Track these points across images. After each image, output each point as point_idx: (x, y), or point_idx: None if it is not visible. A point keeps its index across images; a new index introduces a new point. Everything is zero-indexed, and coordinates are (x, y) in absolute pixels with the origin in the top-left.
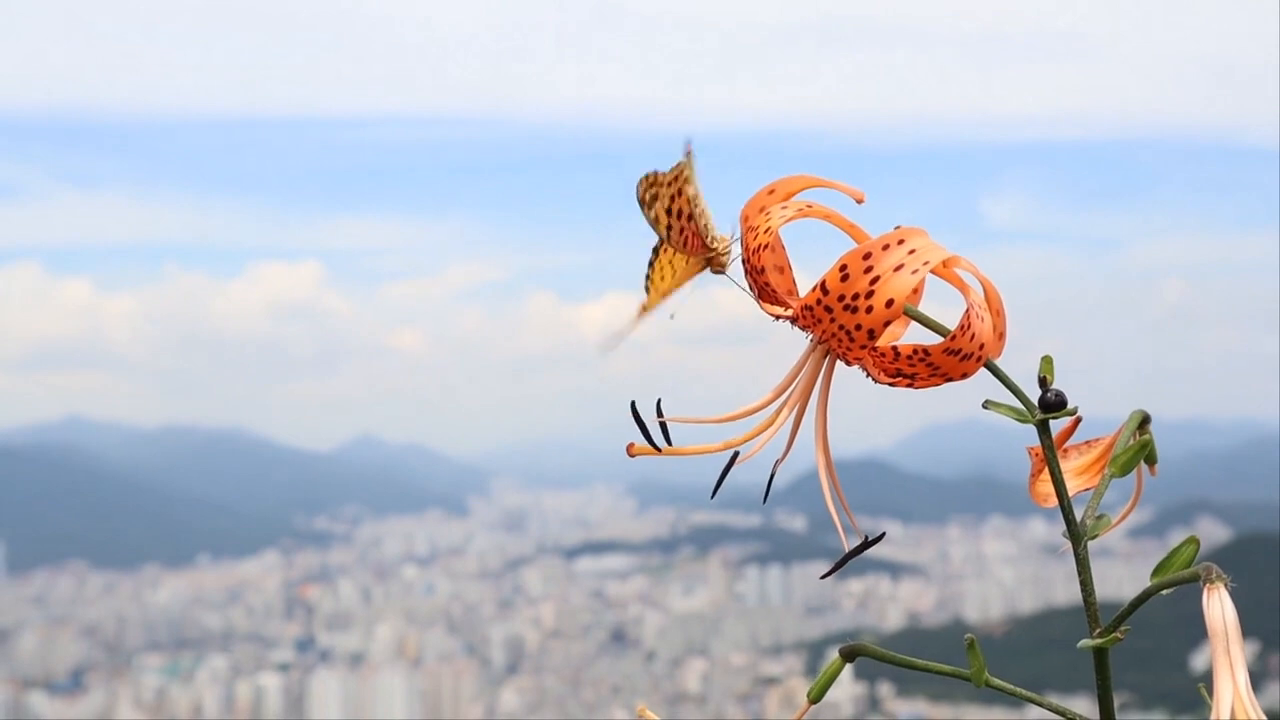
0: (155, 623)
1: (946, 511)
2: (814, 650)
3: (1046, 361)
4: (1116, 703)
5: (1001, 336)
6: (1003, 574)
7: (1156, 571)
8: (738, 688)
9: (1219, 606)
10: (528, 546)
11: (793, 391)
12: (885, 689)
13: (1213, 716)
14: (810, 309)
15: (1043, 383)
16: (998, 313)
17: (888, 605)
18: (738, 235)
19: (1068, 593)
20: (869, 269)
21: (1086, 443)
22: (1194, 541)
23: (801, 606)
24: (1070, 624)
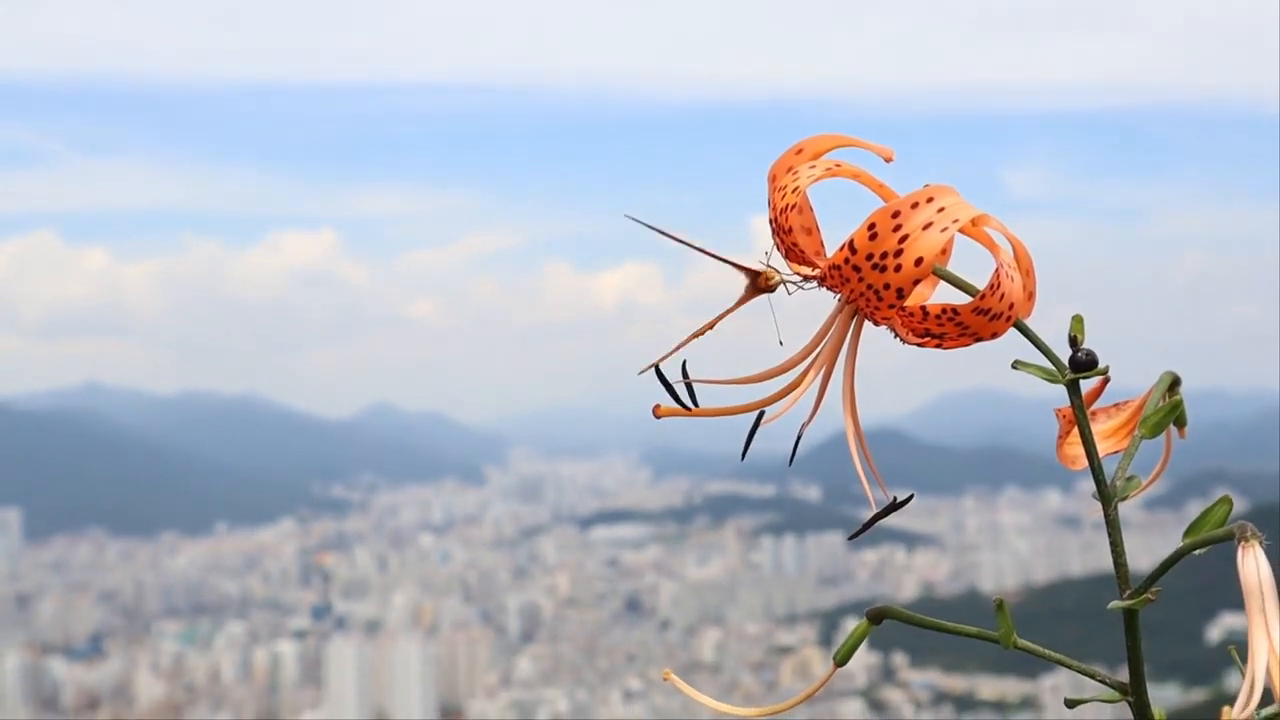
0: (173, 589)
1: (961, 482)
2: (828, 620)
3: (1077, 321)
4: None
5: (1031, 296)
6: (1017, 544)
7: (1189, 531)
8: (752, 656)
9: (1254, 564)
10: (543, 515)
11: (820, 352)
12: (899, 659)
13: (1247, 674)
14: (838, 268)
15: (1073, 342)
16: (1027, 272)
17: (902, 575)
18: (771, 260)
19: (1082, 563)
20: (898, 227)
21: (1115, 405)
22: (1227, 501)
23: (816, 576)
24: (1085, 594)
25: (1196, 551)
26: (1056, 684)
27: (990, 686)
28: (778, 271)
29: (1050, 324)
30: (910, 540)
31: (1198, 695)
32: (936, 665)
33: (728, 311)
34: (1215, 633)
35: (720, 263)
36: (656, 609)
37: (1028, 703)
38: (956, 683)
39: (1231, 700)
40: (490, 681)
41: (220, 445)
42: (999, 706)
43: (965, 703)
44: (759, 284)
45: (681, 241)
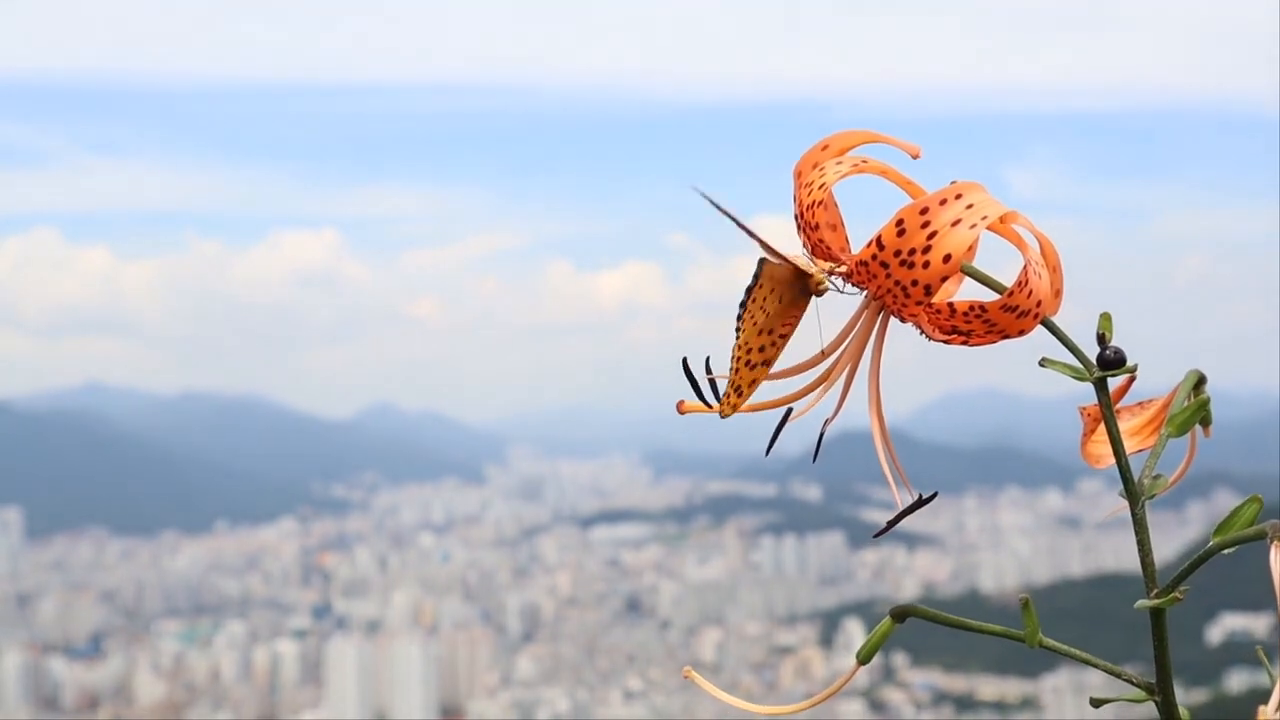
0: (173, 589)
1: (962, 482)
2: (829, 620)
3: (1105, 318)
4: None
5: (1059, 294)
6: (1018, 545)
7: (1218, 531)
8: (753, 657)
9: None
10: (544, 515)
11: (845, 349)
12: (900, 659)
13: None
14: (865, 265)
15: (1101, 339)
16: (1055, 270)
17: (903, 575)
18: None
19: (1083, 564)
20: (926, 224)
21: (1140, 404)
22: (1257, 500)
23: (816, 576)
24: (1085, 595)
25: (1225, 551)
26: (1057, 684)
27: (991, 687)
28: (827, 276)
29: (1057, 323)
30: (911, 540)
31: (1198, 696)
32: (937, 665)
33: (787, 323)
34: (1216, 633)
35: (777, 258)
36: (657, 609)
37: (1028, 703)
38: (957, 683)
39: (1264, 698)
40: (490, 681)
41: (221, 445)
42: (999, 707)
43: (966, 703)
44: (809, 286)
45: (747, 231)
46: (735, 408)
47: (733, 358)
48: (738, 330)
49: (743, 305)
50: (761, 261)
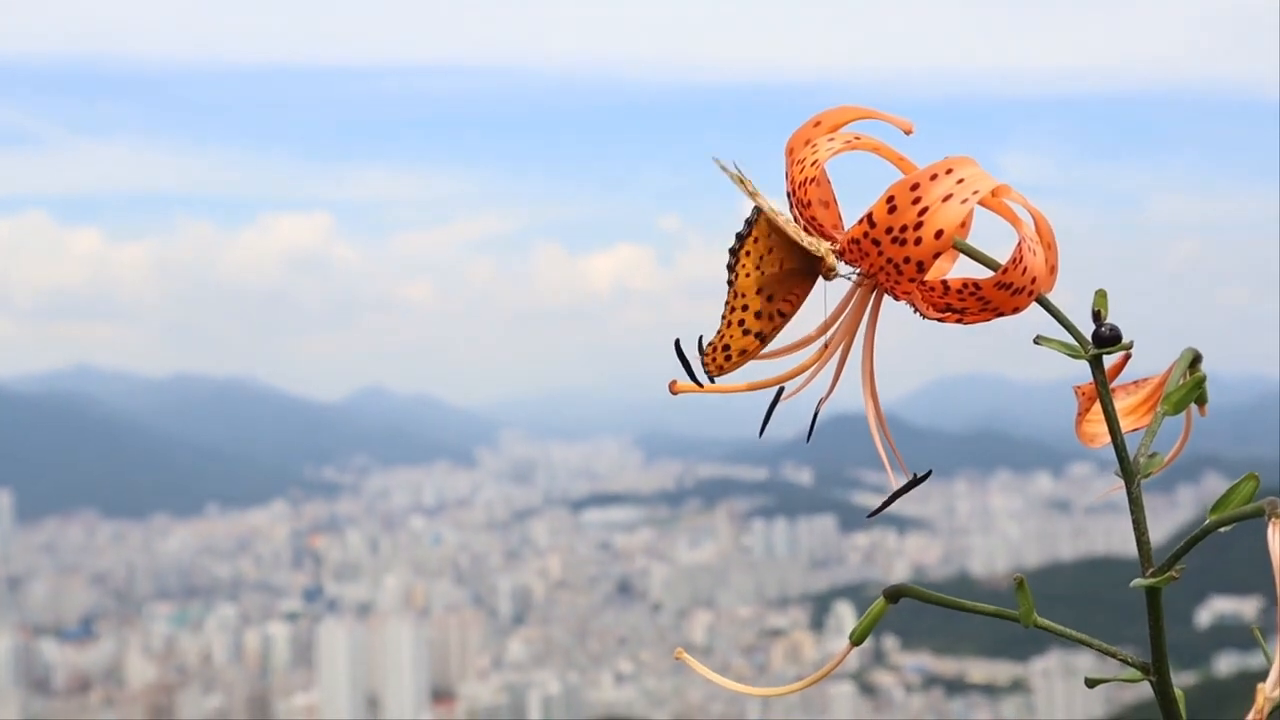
0: (164, 571)
1: (953, 466)
2: (819, 603)
3: (1100, 296)
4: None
5: (1053, 270)
6: (1008, 528)
7: (1215, 508)
8: (743, 639)
9: None
10: (535, 498)
11: (839, 328)
12: (890, 642)
13: (1278, 653)
14: (857, 243)
15: (1096, 317)
16: (1049, 246)
17: (894, 558)
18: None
19: (1073, 547)
20: (917, 200)
21: (1135, 383)
22: (1253, 478)
23: (807, 559)
24: (1075, 578)
25: (1222, 529)
26: (1047, 667)
27: (981, 670)
28: (839, 260)
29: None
30: (901, 524)
31: (1187, 679)
32: (927, 648)
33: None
34: (1205, 616)
35: (788, 238)
36: (648, 592)
37: (1018, 685)
38: (947, 666)
39: (1256, 680)
40: (482, 664)
41: (211, 428)
42: (990, 689)
43: (956, 686)
44: (818, 269)
45: (762, 205)
46: (721, 370)
47: (725, 306)
48: (730, 280)
49: (733, 252)
50: (757, 210)
